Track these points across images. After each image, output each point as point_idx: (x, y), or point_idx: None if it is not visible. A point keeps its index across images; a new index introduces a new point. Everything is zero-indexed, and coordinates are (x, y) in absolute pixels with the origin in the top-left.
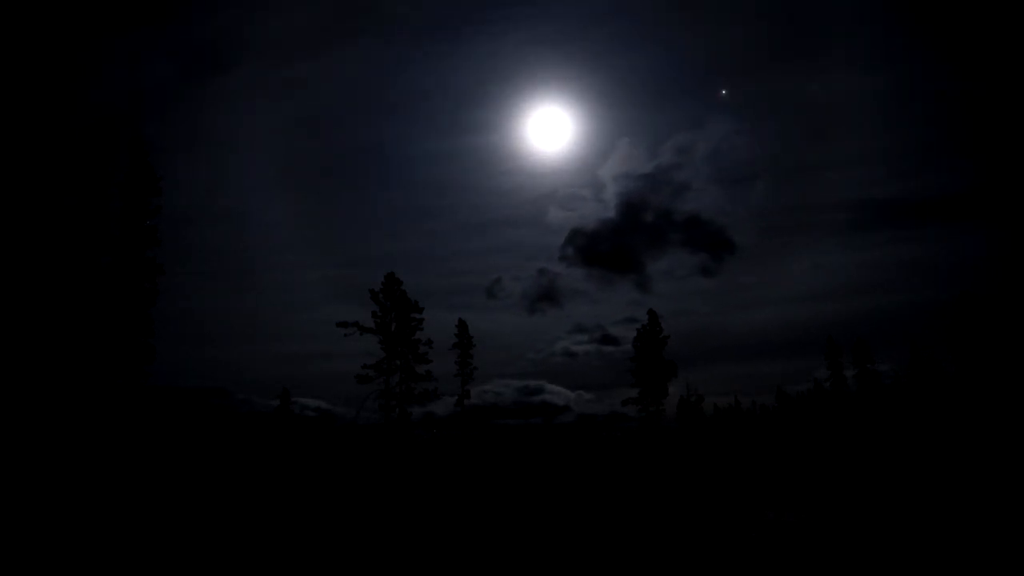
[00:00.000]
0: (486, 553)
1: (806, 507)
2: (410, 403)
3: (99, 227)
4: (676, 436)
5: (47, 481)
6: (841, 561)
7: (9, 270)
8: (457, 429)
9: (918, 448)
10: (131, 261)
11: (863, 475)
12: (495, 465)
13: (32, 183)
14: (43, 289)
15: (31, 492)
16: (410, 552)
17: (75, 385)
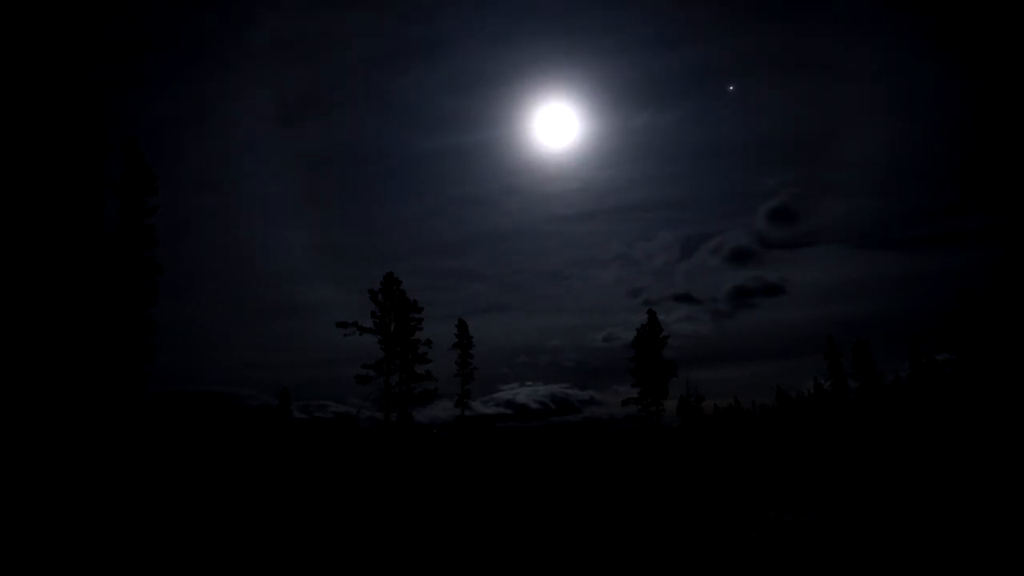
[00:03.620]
0: (485, 552)
1: (806, 507)
2: (410, 403)
3: (96, 228)
4: (676, 435)
5: (48, 481)
6: (842, 560)
7: (7, 271)
8: (457, 430)
9: (918, 448)
10: (129, 261)
11: (863, 475)
12: (494, 465)
13: (28, 184)
14: (41, 290)
15: (32, 492)
16: (410, 551)
17: (75, 386)
